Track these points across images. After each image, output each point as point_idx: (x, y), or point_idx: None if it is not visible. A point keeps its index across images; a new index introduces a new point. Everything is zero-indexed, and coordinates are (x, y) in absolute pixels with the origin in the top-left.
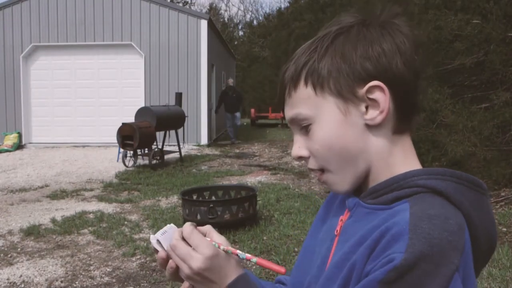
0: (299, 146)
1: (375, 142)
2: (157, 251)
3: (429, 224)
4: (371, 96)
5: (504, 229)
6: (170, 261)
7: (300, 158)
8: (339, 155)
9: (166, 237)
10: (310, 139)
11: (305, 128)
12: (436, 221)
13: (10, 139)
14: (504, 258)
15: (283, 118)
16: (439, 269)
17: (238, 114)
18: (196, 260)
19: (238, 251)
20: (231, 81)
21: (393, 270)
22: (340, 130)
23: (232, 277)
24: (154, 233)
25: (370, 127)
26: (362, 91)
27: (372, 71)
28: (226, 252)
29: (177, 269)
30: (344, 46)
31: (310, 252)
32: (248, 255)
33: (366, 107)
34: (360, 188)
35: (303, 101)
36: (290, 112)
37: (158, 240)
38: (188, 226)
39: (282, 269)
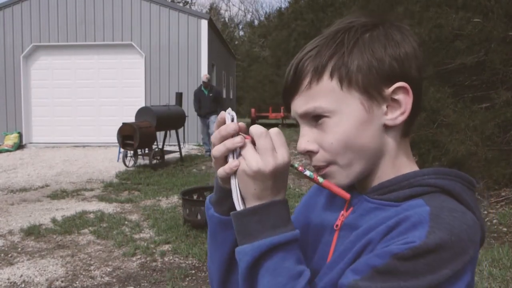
0: (308, 140)
1: (388, 143)
2: (221, 124)
3: (450, 215)
4: (395, 97)
5: (504, 229)
6: (230, 139)
7: (308, 152)
8: (353, 152)
9: (236, 119)
10: (324, 132)
11: (315, 121)
12: (456, 214)
13: (11, 139)
14: (504, 258)
15: (284, 118)
16: (455, 257)
17: (213, 118)
18: (274, 158)
19: (306, 169)
20: (206, 77)
21: (411, 249)
22: (361, 126)
23: (283, 195)
24: (155, 233)
25: (387, 127)
26: (389, 91)
27: (398, 72)
28: (292, 166)
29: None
30: (373, 43)
31: (303, 249)
32: (315, 175)
33: (387, 107)
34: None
35: (325, 94)
36: (306, 104)
37: (232, 116)
38: (276, 128)
39: (347, 195)
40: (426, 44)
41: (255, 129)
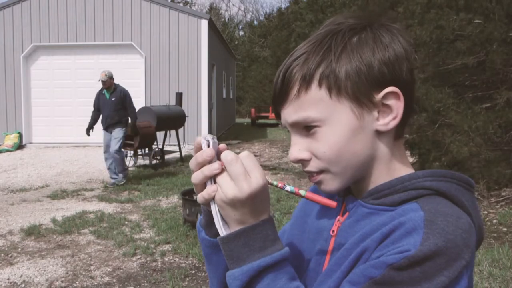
0: (299, 149)
1: (381, 148)
2: (198, 150)
3: (444, 221)
4: (385, 102)
5: (505, 229)
6: (207, 167)
7: (300, 161)
8: (346, 159)
9: (215, 142)
10: (316, 141)
11: (307, 130)
12: (450, 218)
13: (11, 139)
14: (504, 258)
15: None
16: (450, 263)
17: (116, 133)
18: (248, 183)
19: (286, 185)
20: (103, 75)
21: (407, 258)
22: (352, 134)
23: (266, 215)
24: (155, 233)
25: (379, 133)
26: (379, 96)
27: (388, 76)
28: (271, 184)
29: (202, 187)
30: (361, 47)
31: (299, 261)
32: (296, 189)
33: (378, 113)
34: (348, 188)
35: (314, 104)
36: (296, 114)
37: (208, 141)
38: (246, 151)
39: (333, 203)
40: (427, 45)
41: (225, 155)
